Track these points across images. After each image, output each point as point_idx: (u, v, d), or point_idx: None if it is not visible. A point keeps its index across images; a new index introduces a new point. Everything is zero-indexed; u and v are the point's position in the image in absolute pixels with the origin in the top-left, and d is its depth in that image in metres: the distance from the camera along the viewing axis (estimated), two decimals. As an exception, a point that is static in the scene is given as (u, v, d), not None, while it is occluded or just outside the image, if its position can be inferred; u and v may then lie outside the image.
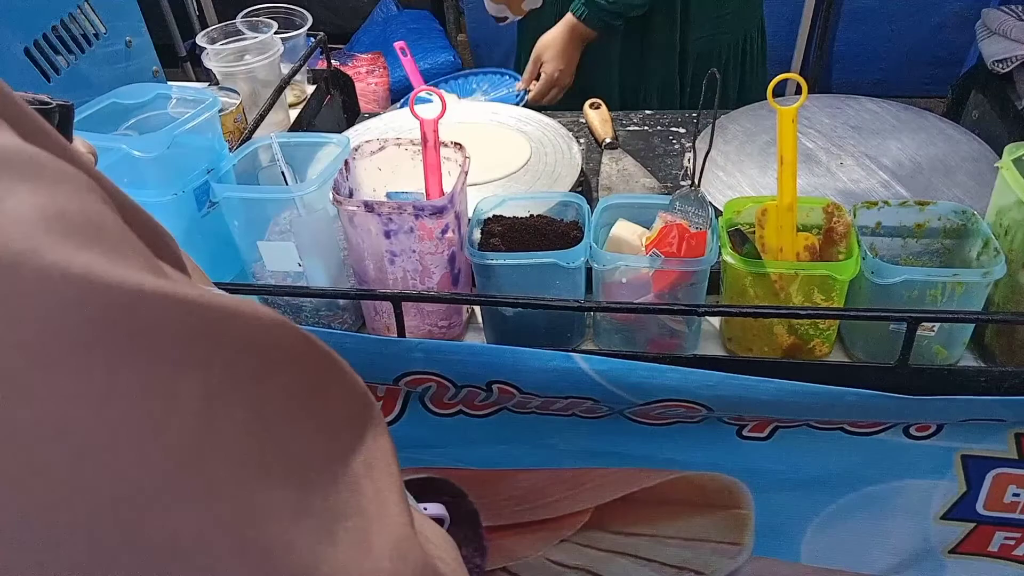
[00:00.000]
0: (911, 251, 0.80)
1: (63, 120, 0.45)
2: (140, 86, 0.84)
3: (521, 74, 1.44)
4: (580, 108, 1.22)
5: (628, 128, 1.19)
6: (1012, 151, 0.73)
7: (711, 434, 0.84)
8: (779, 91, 0.75)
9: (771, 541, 0.91)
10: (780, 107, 0.74)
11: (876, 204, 0.78)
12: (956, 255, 0.78)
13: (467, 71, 1.48)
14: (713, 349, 0.82)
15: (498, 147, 1.09)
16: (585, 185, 1.08)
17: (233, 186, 0.77)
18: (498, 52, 2.88)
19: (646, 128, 1.19)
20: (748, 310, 0.72)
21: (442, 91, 1.36)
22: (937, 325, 0.73)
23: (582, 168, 1.05)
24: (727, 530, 0.91)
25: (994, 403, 0.72)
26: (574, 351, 0.78)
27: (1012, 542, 0.87)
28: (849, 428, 0.81)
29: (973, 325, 0.75)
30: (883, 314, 0.71)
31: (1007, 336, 0.75)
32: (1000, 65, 1.08)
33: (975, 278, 0.70)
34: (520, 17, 1.35)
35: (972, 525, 0.87)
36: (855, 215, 0.78)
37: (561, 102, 1.36)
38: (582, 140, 1.17)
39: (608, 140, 1.13)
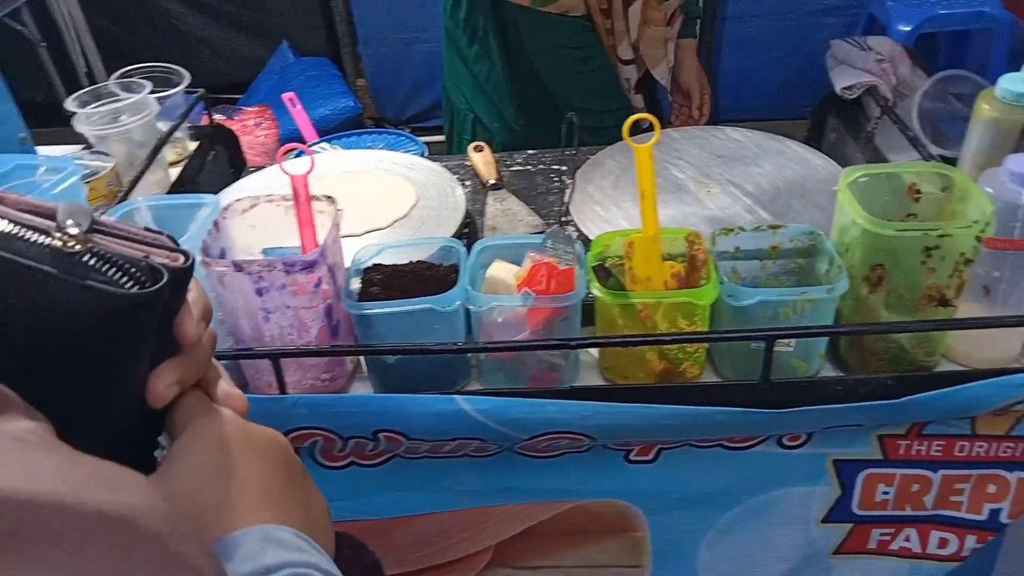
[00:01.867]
0: (769, 272, 0.85)
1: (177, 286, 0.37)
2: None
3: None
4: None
5: (512, 168, 1.23)
6: (847, 175, 0.79)
7: (600, 461, 0.86)
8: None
9: (669, 560, 0.94)
10: (636, 145, 0.79)
11: (732, 230, 0.83)
12: (809, 273, 0.84)
13: (363, 131, 1.50)
14: (593, 379, 0.84)
15: (384, 195, 1.10)
16: (471, 227, 1.10)
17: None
18: (397, 96, 2.92)
19: (529, 167, 1.23)
20: (616, 340, 0.75)
21: (324, 146, 1.37)
22: (793, 340, 0.77)
23: (467, 210, 1.07)
24: (626, 554, 0.93)
25: (849, 410, 0.77)
26: (459, 392, 0.79)
27: (888, 537, 0.92)
28: (727, 444, 0.85)
29: (826, 338, 0.80)
30: (741, 334, 0.75)
31: (858, 346, 0.81)
32: (848, 92, 1.17)
33: (821, 294, 0.75)
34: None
35: (850, 525, 0.92)
36: (714, 242, 0.82)
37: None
38: (468, 183, 1.20)
39: (492, 181, 1.17)
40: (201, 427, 0.41)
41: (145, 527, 0.31)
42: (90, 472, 0.30)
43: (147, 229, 0.38)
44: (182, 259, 0.37)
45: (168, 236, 0.39)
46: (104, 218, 0.36)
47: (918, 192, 0.81)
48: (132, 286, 0.35)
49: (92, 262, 0.34)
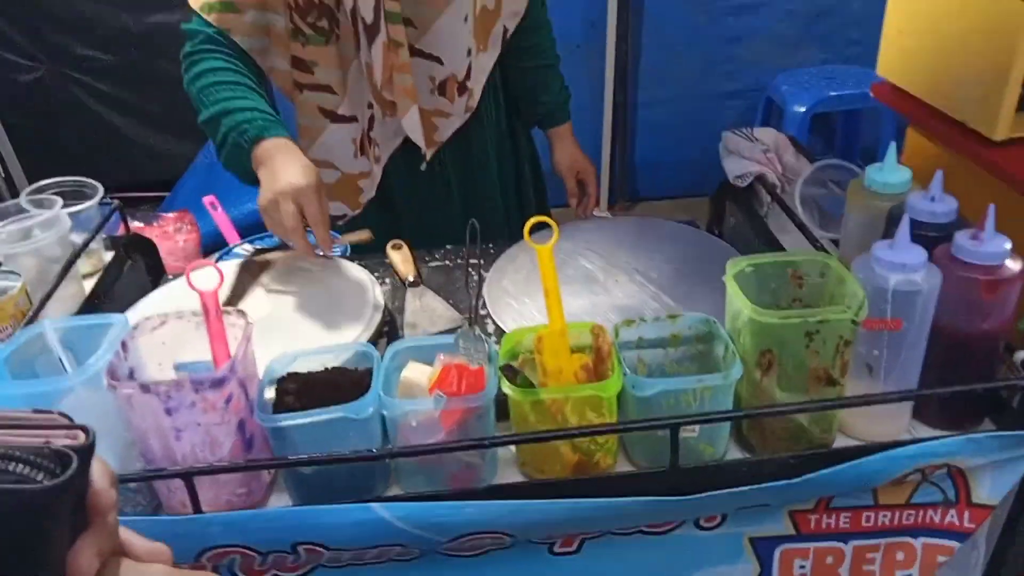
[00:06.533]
0: (673, 358, 0.89)
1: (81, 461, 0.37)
2: None
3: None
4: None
5: (431, 265, 1.26)
6: (732, 267, 0.85)
7: (524, 556, 0.87)
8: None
9: (599, 651, 0.93)
10: (537, 246, 0.83)
11: (634, 322, 0.87)
12: (709, 358, 0.88)
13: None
14: (512, 474, 0.86)
15: (302, 300, 1.11)
16: (392, 324, 1.12)
17: (-3, 383, 0.75)
18: (326, 187, 2.94)
19: (447, 263, 1.26)
20: (527, 437, 0.78)
21: (247, 247, 1.39)
22: (697, 426, 0.81)
23: (386, 307, 1.09)
24: (557, 647, 0.92)
25: (755, 491, 0.80)
26: (376, 499, 0.79)
27: (809, 611, 0.95)
28: (647, 530, 0.87)
29: (730, 422, 0.84)
30: (645, 424, 0.78)
31: (759, 427, 0.85)
32: (739, 180, 1.25)
33: (717, 381, 0.79)
34: (358, 211, 1.37)
35: (773, 602, 0.93)
36: (617, 334, 0.86)
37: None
38: (388, 280, 1.22)
39: (411, 278, 1.19)
40: None
41: None
42: None
43: (35, 410, 0.38)
44: (83, 436, 0.37)
45: (60, 413, 0.39)
46: None
47: (800, 278, 0.87)
48: (43, 477, 0.34)
49: None
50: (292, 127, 1.16)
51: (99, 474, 0.40)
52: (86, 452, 0.37)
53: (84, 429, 0.38)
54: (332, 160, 1.31)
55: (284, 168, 1.02)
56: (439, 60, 1.23)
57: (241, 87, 1.12)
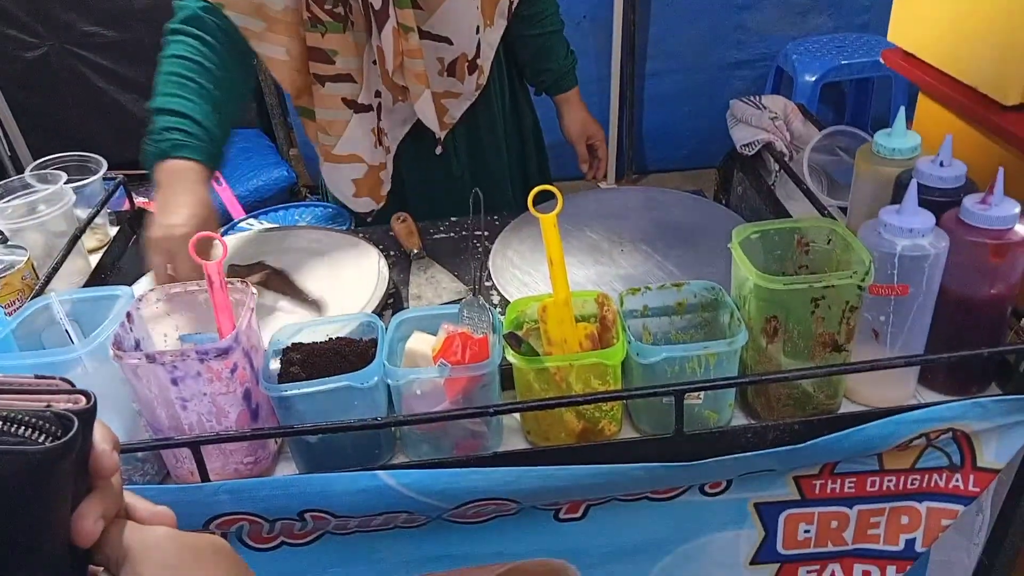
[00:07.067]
0: (678, 327, 0.89)
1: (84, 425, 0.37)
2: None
3: (331, 200, 1.48)
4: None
5: (435, 237, 1.26)
6: (739, 233, 0.84)
7: (530, 522, 0.87)
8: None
9: (607, 615, 0.94)
10: (541, 215, 0.82)
11: (639, 290, 0.87)
12: (715, 326, 0.88)
13: (290, 204, 1.52)
14: (517, 443, 0.86)
15: (307, 273, 1.11)
16: (396, 296, 1.12)
17: (3, 355, 0.75)
18: (331, 162, 2.93)
19: (452, 235, 1.26)
20: (532, 404, 0.78)
21: (252, 222, 1.39)
22: (702, 393, 0.81)
23: (391, 280, 1.09)
24: (564, 612, 0.94)
25: (760, 457, 0.80)
26: (383, 467, 0.80)
27: (814, 574, 0.95)
28: (652, 496, 0.87)
29: (734, 388, 0.84)
30: (649, 391, 0.78)
31: (764, 394, 0.85)
32: (747, 148, 1.24)
33: (722, 348, 0.79)
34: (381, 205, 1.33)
35: (777, 566, 0.94)
36: (622, 302, 0.86)
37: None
38: (393, 252, 1.22)
39: (415, 251, 1.19)
40: (142, 554, 0.42)
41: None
42: None
43: (37, 376, 0.39)
44: (84, 400, 0.38)
45: (61, 379, 0.39)
46: None
47: (807, 244, 0.87)
48: (45, 439, 0.35)
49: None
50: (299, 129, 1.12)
51: (101, 438, 0.41)
52: (87, 415, 0.38)
53: (85, 393, 0.39)
54: (359, 152, 1.26)
55: (167, 207, 0.96)
56: (448, 41, 1.20)
57: (190, 84, 1.04)
